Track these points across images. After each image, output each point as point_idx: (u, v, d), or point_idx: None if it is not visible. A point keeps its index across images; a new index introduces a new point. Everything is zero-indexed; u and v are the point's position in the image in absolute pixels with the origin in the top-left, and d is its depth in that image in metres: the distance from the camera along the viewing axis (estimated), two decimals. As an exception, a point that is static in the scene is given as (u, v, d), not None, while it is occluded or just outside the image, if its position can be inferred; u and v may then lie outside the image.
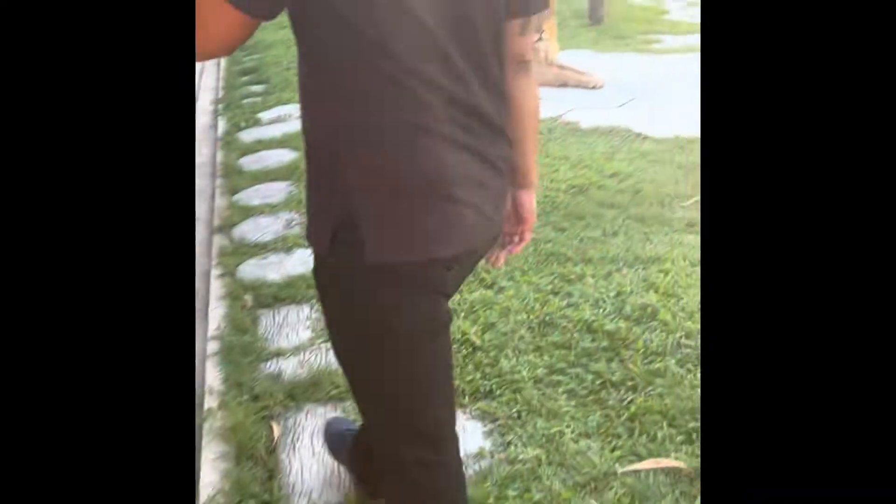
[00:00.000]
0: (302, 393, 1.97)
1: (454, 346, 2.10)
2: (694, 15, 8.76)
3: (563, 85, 4.97)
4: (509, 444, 1.74)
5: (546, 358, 2.03)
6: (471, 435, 1.79)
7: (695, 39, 6.84)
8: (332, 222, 1.00)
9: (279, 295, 2.46)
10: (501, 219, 1.12)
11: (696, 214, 2.90)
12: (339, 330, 1.12)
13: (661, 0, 10.25)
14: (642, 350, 2.02)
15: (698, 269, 2.47)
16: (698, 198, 3.07)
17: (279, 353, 2.16)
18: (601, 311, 2.23)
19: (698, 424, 1.74)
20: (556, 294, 2.35)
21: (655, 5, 9.67)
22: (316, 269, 1.09)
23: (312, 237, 1.05)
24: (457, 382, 1.93)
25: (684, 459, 1.65)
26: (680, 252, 2.58)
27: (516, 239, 1.27)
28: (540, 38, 4.93)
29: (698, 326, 2.10)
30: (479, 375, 1.97)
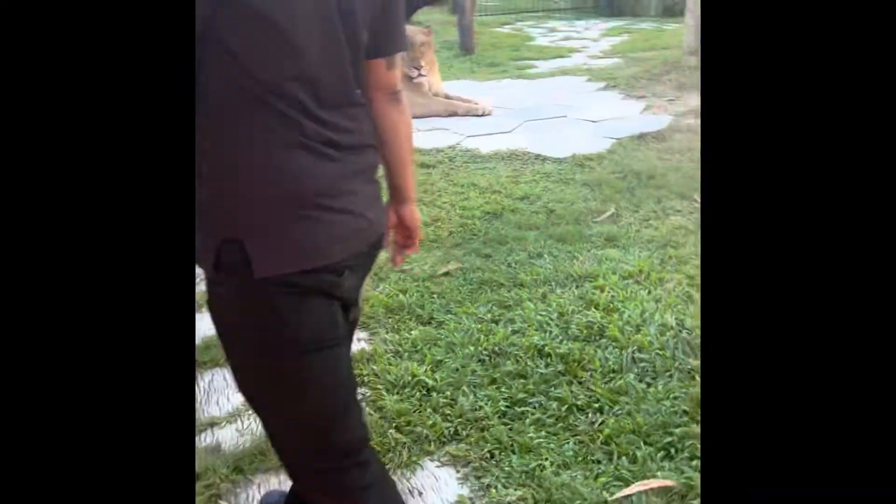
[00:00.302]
0: (249, 464, 1.78)
1: (406, 389, 1.98)
2: (555, 40, 9.16)
3: (454, 114, 4.99)
4: (489, 487, 1.64)
5: (504, 390, 1.95)
6: (445, 483, 1.67)
7: (564, 62, 7.12)
8: (216, 243, 1.03)
9: (200, 359, 2.24)
10: (381, 219, 1.19)
11: (612, 228, 2.95)
12: (238, 352, 1.13)
13: (522, 28, 10.66)
14: (600, 369, 1.99)
15: (630, 281, 2.49)
16: (611, 211, 3.14)
17: (213, 423, 1.95)
18: (548, 334, 2.18)
19: (674, 438, 1.71)
20: (497, 322, 2.29)
21: (519, 33, 10.04)
22: (208, 295, 1.10)
23: (200, 261, 1.07)
24: (419, 428, 1.82)
25: (669, 476, 1.61)
26: (608, 267, 2.59)
27: (410, 243, 1.35)
28: (420, 74, 4.93)
29: (648, 339, 2.10)
30: (439, 418, 1.86)
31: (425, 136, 4.50)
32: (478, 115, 4.93)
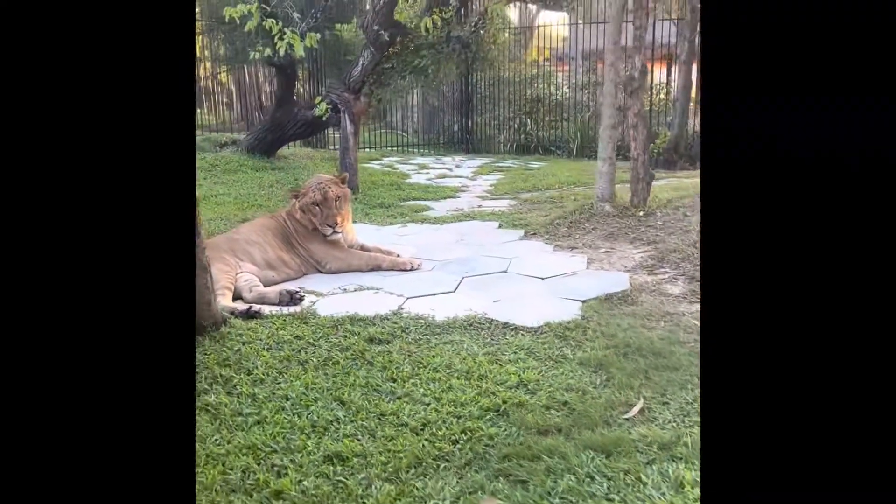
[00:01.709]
0: None
1: None
2: (432, 178, 8.98)
3: (376, 268, 4.40)
4: None
5: None
6: None
7: (456, 203, 6.83)
8: None
9: None
10: None
11: (655, 431, 2.44)
12: None
13: (392, 165, 10.46)
14: None
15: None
16: (640, 404, 2.64)
17: None
18: None
19: None
20: None
21: (391, 170, 9.79)
22: None
23: None
24: None
25: None
26: (684, 497, 2.05)
27: None
28: (335, 232, 4.35)
29: None
30: None
31: (357, 298, 3.85)
32: (405, 270, 4.37)
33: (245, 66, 13.69)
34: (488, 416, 2.54)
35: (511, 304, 3.66)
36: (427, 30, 5.61)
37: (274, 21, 7.08)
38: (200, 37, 13.47)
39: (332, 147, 12.57)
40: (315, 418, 2.56)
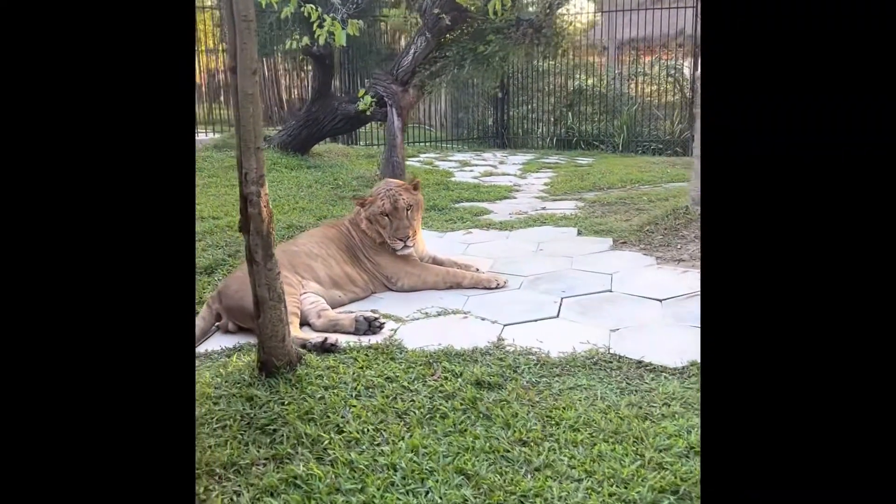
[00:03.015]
0: None
1: None
2: (477, 175, 8.39)
3: (456, 286, 3.81)
4: None
5: None
6: None
7: (515, 205, 6.23)
8: None
9: None
10: None
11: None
12: None
13: (432, 162, 9.86)
14: None
15: None
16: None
17: None
18: None
19: None
20: None
21: (433, 167, 9.20)
22: None
23: None
24: None
25: None
26: None
27: None
28: (406, 246, 3.76)
29: None
30: None
31: (444, 325, 3.26)
32: (489, 289, 3.78)
33: (264, 59, 13.13)
34: (666, 502, 1.94)
35: (635, 333, 3.06)
36: (496, 12, 5.01)
37: (313, 6, 6.51)
38: (220, 29, 12.93)
39: (362, 143, 11.99)
40: (437, 499, 1.98)
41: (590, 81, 12.16)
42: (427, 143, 12.49)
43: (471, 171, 8.91)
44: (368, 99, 6.75)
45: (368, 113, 7.01)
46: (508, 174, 8.60)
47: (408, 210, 3.78)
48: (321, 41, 6.61)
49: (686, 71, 11.11)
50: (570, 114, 12.13)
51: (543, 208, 6.17)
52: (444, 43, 5.93)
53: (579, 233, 5.03)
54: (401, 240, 3.75)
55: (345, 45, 7.48)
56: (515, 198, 6.83)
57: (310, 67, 8.73)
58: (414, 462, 2.16)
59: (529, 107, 12.68)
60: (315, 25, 6.52)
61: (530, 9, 5.47)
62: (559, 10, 5.24)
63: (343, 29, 6.77)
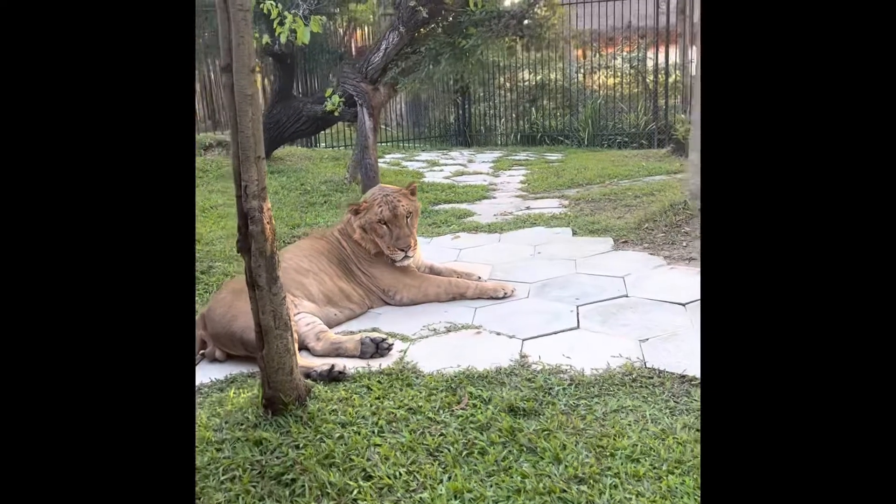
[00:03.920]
0: None
1: None
2: (448, 175, 8.13)
3: (459, 297, 3.53)
4: None
5: None
6: None
7: (498, 205, 5.99)
8: None
9: None
10: None
11: None
12: None
13: (399, 162, 9.56)
14: None
15: None
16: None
17: None
18: None
19: None
20: None
21: (401, 168, 8.90)
22: None
23: None
24: None
25: None
26: None
27: None
28: (406, 256, 3.48)
29: None
30: None
31: (457, 342, 2.99)
32: (496, 298, 3.52)
33: (208, 60, 12.53)
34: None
35: (667, 343, 2.84)
36: (476, 4, 4.74)
37: (273, 3, 6.14)
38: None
39: (323, 145, 11.59)
40: (495, 555, 1.71)
41: (552, 76, 12.00)
42: (389, 143, 12.16)
43: (441, 170, 8.64)
44: (336, 99, 6.41)
45: (337, 114, 6.67)
46: (481, 173, 8.36)
47: (408, 217, 3.49)
48: (283, 39, 6.23)
49: (649, 63, 11.03)
50: (532, 109, 11.96)
51: (527, 208, 5.94)
52: (418, 38, 5.64)
53: (574, 233, 4.81)
54: (401, 250, 3.46)
55: (307, 42, 7.11)
56: (495, 197, 6.59)
57: (271, 68, 8.32)
58: (460, 510, 1.89)
59: (490, 103, 12.46)
60: (276, 23, 6.15)
61: (506, 2, 5.24)
62: (539, 2, 5.00)
63: (306, 25, 6.40)
